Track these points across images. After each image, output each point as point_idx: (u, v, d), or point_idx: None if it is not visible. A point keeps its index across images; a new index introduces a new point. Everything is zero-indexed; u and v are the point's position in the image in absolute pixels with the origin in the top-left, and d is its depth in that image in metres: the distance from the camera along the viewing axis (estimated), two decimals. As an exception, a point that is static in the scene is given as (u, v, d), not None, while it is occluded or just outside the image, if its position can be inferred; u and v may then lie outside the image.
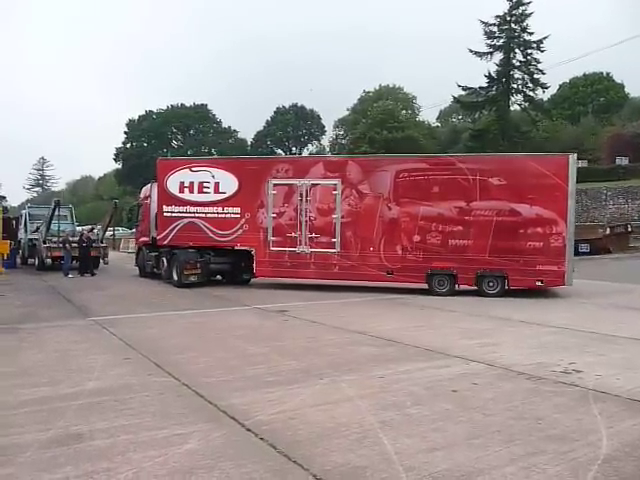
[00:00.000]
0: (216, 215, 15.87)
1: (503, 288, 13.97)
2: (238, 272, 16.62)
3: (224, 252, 16.31)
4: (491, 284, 14.01)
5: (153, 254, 18.15)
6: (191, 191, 16.17)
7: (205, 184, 16.02)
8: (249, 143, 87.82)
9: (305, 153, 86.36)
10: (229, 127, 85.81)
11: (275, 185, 15.39)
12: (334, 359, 7.27)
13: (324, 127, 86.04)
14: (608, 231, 28.49)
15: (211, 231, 15.92)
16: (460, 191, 14.00)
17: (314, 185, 15.07)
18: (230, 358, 7.35)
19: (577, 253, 28.19)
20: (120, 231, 46.69)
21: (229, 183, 15.80)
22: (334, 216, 14.91)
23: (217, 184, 15.89)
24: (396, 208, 14.47)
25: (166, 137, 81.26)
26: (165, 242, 16.73)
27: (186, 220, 16.20)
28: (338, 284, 15.63)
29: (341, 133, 76.97)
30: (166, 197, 16.52)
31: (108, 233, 26.11)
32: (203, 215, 16.03)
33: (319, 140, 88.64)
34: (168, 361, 7.14)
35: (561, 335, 9.01)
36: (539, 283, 13.69)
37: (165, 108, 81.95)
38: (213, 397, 5.65)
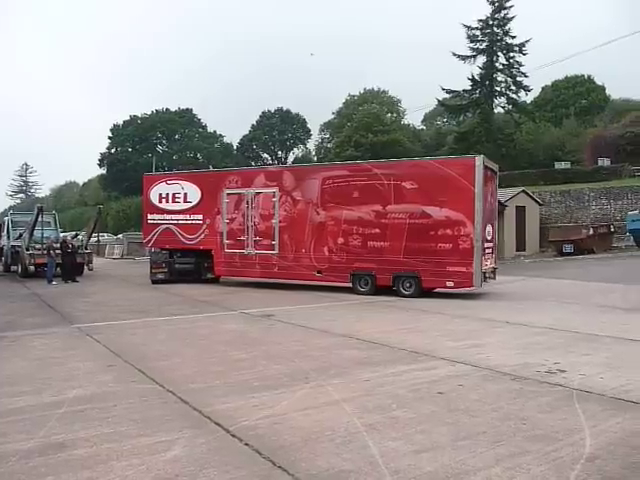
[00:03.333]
0: (185, 222, 18.36)
1: (418, 289, 14.41)
2: (203, 271, 18.40)
3: (189, 254, 18.58)
4: (407, 284, 14.52)
5: None
6: (167, 201, 18.86)
7: (177, 195, 18.62)
8: (235, 147, 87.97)
9: (291, 157, 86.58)
10: (214, 132, 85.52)
11: (228, 194, 17.47)
12: (320, 363, 7.27)
13: (310, 131, 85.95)
14: (591, 231, 28.70)
15: (182, 235, 18.40)
16: (377, 196, 14.84)
17: (257, 193, 16.88)
18: (215, 363, 7.32)
19: (562, 253, 29.28)
20: (105, 237, 46.33)
21: (194, 194, 18.25)
22: (273, 221, 16.54)
23: (185, 195, 18.42)
24: (323, 213, 15.68)
25: (151, 142, 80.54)
26: (150, 245, 19.65)
27: (164, 226, 18.81)
28: (326, 287, 15.83)
29: (327, 137, 76.95)
30: (149, 207, 19.35)
31: (93, 239, 26.07)
32: (175, 222, 18.56)
33: (305, 144, 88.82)
34: (152, 368, 7.09)
35: (546, 336, 9.05)
36: (450, 284, 14.09)
37: (150, 113, 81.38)
38: (198, 403, 5.60)
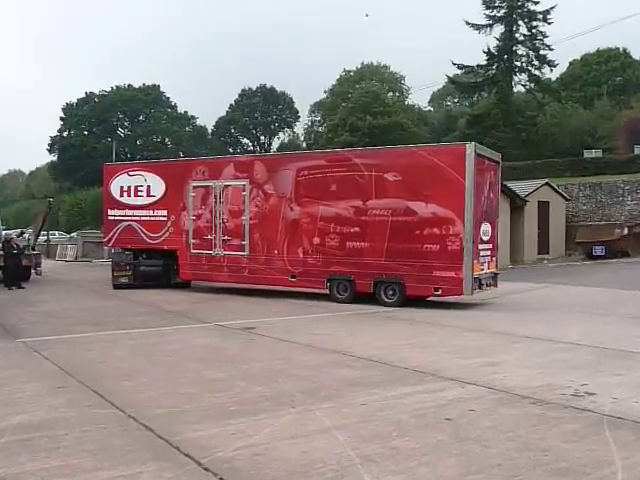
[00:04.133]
0: (148, 218, 18.68)
1: (402, 296, 14.59)
2: (172, 275, 18.59)
3: (156, 255, 18.87)
4: (390, 292, 14.74)
5: None
6: (129, 195, 19.19)
7: (139, 188, 18.94)
8: (209, 131, 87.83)
9: (276, 143, 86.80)
10: (185, 112, 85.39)
11: (194, 187, 17.80)
12: (308, 384, 7.28)
13: (298, 113, 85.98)
14: (626, 231, 28.89)
15: (144, 234, 18.75)
16: (356, 189, 15.06)
17: (226, 186, 17.19)
18: (186, 384, 7.31)
19: (591, 256, 29.40)
20: (56, 236, 46.05)
21: (158, 187, 18.57)
22: (243, 218, 16.84)
23: (149, 188, 18.73)
24: (297, 208, 15.94)
25: (111, 124, 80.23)
26: (110, 244, 20.26)
27: (125, 223, 19.24)
28: (314, 295, 15.83)
29: (318, 119, 77.23)
30: (110, 201, 19.80)
31: (41, 238, 25.93)
32: (138, 218, 18.95)
33: (292, 128, 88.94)
34: (112, 389, 7.07)
35: (572, 352, 9.09)
36: (436, 292, 14.23)
37: (109, 90, 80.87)
38: (165, 431, 5.59)
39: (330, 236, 15.33)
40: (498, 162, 15.65)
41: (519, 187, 28.52)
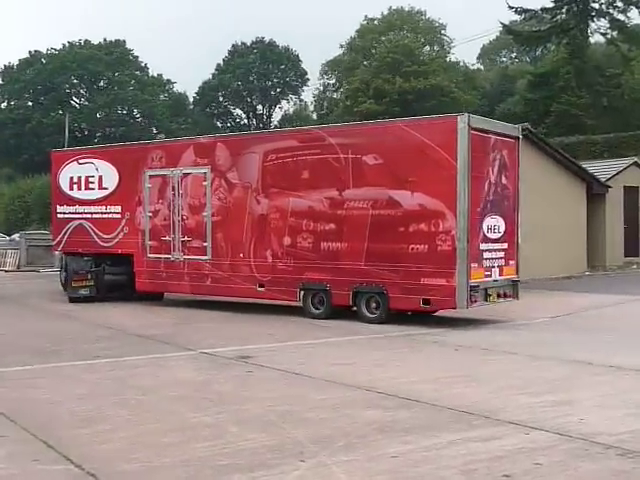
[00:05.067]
0: (100, 216, 19.54)
1: (385, 310, 14.94)
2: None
3: (123, 261, 19.32)
4: (373, 305, 15.14)
5: (63, 263, 21.81)
6: (79, 188, 20.16)
7: (90, 179, 19.86)
8: (191, 100, 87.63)
9: (277, 114, 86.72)
10: (160, 76, 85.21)
11: (150, 177, 18.53)
12: (322, 430, 7.22)
13: (306, 75, 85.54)
14: None
15: (97, 235, 19.59)
16: (331, 176, 15.57)
17: (185, 175, 17.94)
18: (163, 431, 7.26)
19: None
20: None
21: (111, 177, 19.45)
22: (204, 214, 17.49)
23: (100, 178, 19.62)
24: (265, 201, 16.51)
25: (62, 92, 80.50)
26: (59, 248, 21.21)
27: (76, 222, 20.16)
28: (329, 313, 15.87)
29: (332, 83, 76.81)
30: (59, 195, 20.84)
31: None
32: (89, 216, 19.86)
33: (298, 94, 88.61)
34: (66, 439, 7.03)
35: (671, 386, 9.28)
36: (425, 304, 14.46)
37: (60, 47, 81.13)
38: (135, 493, 5.70)
39: (302, 235, 15.80)
40: (516, 137, 15.84)
41: (599, 168, 28.36)
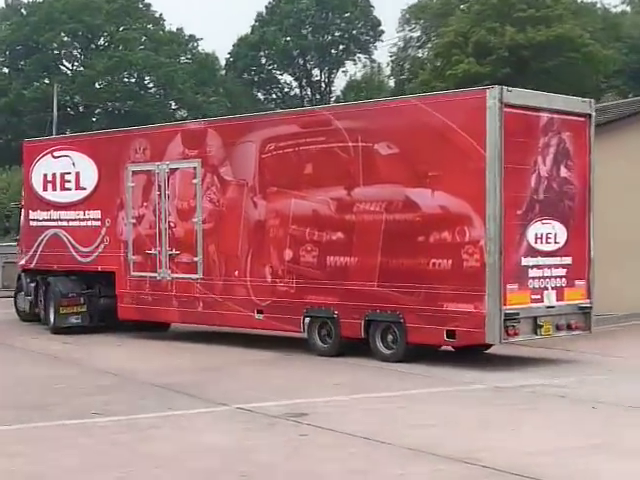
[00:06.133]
0: (78, 223, 19.98)
1: (402, 344, 14.88)
2: None
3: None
4: (390, 337, 15.13)
5: (32, 284, 21.64)
6: (54, 188, 20.53)
7: (67, 176, 20.25)
8: (223, 63, 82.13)
9: (340, 81, 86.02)
10: (180, 31, 79.42)
11: (134, 173, 18.74)
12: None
13: (379, 26, 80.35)
14: None
15: (74, 247, 19.94)
16: (338, 170, 15.59)
17: (172, 171, 18.11)
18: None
19: None
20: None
21: (89, 173, 19.85)
22: (194, 220, 17.66)
23: (78, 175, 20.03)
24: (262, 204, 16.60)
25: (50, 54, 74.67)
26: (32, 265, 21.25)
27: (51, 231, 20.50)
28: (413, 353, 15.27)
29: (415, 36, 75.23)
30: (31, 198, 21.24)
31: None
32: (66, 224, 20.18)
33: (369, 53, 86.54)
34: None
35: None
36: (448, 338, 14.35)
37: (46, -7, 71.85)
38: None
39: (306, 247, 15.99)
40: (587, 115, 15.33)
41: None
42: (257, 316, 16.49)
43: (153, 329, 19.27)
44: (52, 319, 19.89)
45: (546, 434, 10.05)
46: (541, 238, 14.26)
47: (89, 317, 19.52)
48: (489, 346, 14.60)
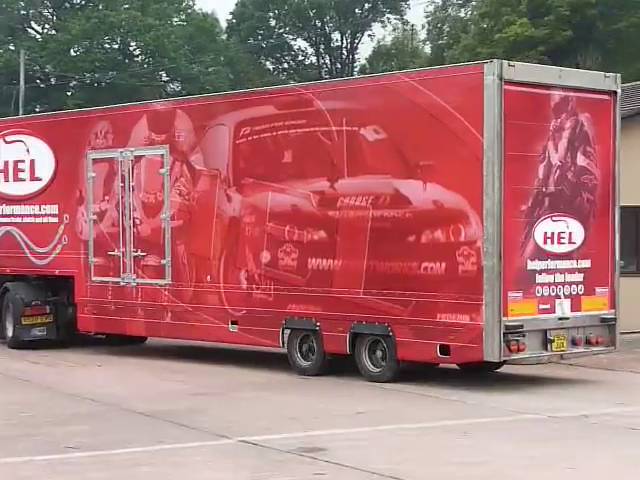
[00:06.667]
0: (33, 219, 20.47)
1: (391, 361, 14.99)
2: None
3: None
4: (379, 353, 15.25)
5: None
6: (6, 178, 21.04)
7: (20, 165, 20.67)
8: (224, 26, 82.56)
9: (366, 47, 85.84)
10: None
11: (94, 161, 19.06)
12: None
13: None
14: None
15: (29, 247, 20.40)
16: (320, 158, 15.79)
17: (137, 159, 18.39)
18: None
19: None
20: None
21: (45, 161, 20.16)
22: (162, 216, 17.94)
23: (32, 164, 20.39)
24: (237, 198, 16.87)
25: (15, 16, 71.65)
26: None
27: (3, 229, 21.14)
28: (440, 373, 15.53)
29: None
30: None
31: None
32: (19, 220, 20.66)
33: (400, 13, 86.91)
34: None
35: None
36: (442, 355, 14.34)
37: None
38: None
39: (285, 248, 16.28)
40: (612, 93, 15.05)
41: None
42: (231, 328, 16.93)
43: (132, 342, 20.07)
44: (10, 331, 20.34)
45: (611, 473, 10.02)
46: (552, 238, 14.22)
47: (55, 329, 19.89)
48: (499, 365, 14.45)
